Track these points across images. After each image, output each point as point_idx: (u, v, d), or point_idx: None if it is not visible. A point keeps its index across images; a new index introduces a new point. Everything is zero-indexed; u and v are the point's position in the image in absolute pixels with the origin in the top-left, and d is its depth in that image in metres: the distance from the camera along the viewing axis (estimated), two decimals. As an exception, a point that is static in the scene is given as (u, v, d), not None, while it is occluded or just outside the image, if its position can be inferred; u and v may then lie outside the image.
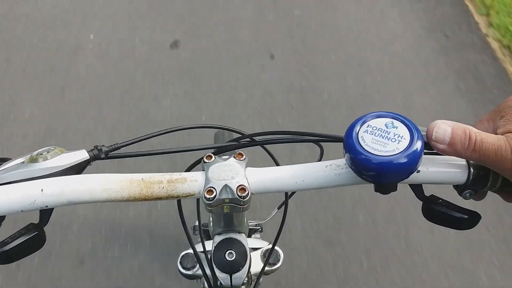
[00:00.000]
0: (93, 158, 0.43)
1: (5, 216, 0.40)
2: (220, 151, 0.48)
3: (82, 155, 0.42)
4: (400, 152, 0.35)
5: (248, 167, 0.42)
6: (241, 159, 0.43)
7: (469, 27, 2.25)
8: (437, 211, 0.39)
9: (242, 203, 0.41)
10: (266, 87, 1.91)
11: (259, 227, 0.95)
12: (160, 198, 0.41)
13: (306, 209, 1.56)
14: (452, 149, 0.36)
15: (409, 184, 0.41)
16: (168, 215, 1.55)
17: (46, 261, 1.42)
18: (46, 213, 0.41)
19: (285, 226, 0.57)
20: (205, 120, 1.80)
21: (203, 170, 0.43)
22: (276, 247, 0.68)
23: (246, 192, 0.40)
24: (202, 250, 0.66)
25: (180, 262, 0.72)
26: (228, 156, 0.44)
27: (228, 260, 0.50)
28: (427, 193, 0.41)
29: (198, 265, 0.72)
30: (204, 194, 0.40)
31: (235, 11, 2.23)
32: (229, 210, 0.42)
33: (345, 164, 0.39)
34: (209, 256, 0.63)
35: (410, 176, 0.37)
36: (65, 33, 2.09)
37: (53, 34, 2.09)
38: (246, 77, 1.95)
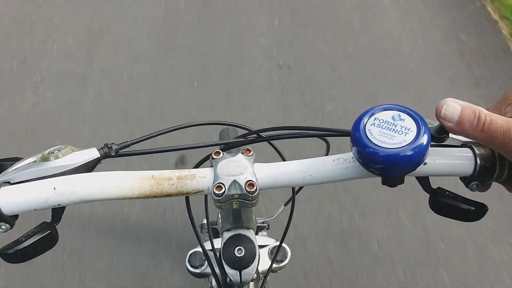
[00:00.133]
0: (104, 156, 0.43)
1: (18, 215, 0.40)
2: (227, 147, 0.49)
3: (92, 153, 0.42)
4: (407, 144, 0.35)
5: (256, 163, 0.43)
6: (249, 154, 0.43)
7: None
8: (444, 203, 0.39)
9: (250, 198, 0.41)
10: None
11: (265, 225, 0.95)
12: (170, 195, 0.41)
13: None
14: (460, 128, 0.36)
15: (415, 177, 0.41)
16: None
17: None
18: (58, 211, 0.41)
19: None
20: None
21: (211, 167, 0.43)
22: (283, 244, 0.69)
23: (255, 188, 0.41)
24: (210, 248, 0.66)
25: (189, 261, 0.73)
26: (235, 152, 0.44)
27: (238, 256, 0.51)
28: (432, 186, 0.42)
29: (206, 263, 0.73)
30: (213, 190, 0.41)
31: (255, 108, 1.86)
32: (238, 206, 0.42)
33: (352, 157, 0.39)
34: (217, 254, 0.64)
35: (417, 169, 0.37)
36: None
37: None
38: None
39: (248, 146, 0.44)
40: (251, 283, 0.61)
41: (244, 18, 2.24)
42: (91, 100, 1.88)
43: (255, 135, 0.50)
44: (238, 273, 0.51)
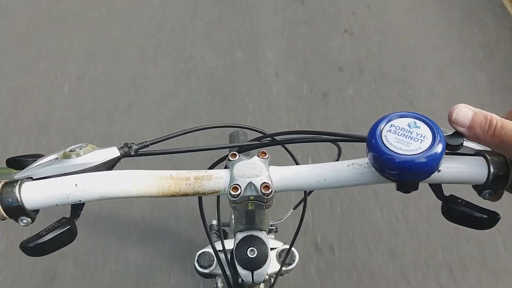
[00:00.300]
0: (123, 155, 0.44)
1: (39, 210, 0.41)
2: (242, 150, 0.50)
3: (113, 152, 0.43)
4: (423, 151, 0.36)
5: (271, 166, 0.44)
6: (265, 157, 0.44)
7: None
8: (457, 210, 0.40)
9: (265, 200, 0.42)
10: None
11: (274, 228, 0.96)
12: (187, 195, 0.42)
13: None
14: (471, 133, 0.37)
15: (429, 184, 0.42)
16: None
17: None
18: (77, 207, 0.42)
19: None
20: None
21: (227, 168, 0.44)
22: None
23: (270, 190, 0.41)
24: (220, 248, 0.67)
25: (197, 261, 0.74)
26: (251, 155, 0.45)
27: (250, 257, 0.52)
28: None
29: (214, 263, 0.73)
30: (229, 191, 0.41)
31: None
32: (253, 207, 0.43)
33: (367, 163, 0.40)
34: (228, 255, 0.65)
35: (432, 176, 0.38)
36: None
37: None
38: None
39: (263, 149, 0.45)
40: (262, 285, 0.61)
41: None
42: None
43: (269, 139, 0.51)
44: (250, 273, 0.52)
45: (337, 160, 0.54)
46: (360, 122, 1.88)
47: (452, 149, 0.38)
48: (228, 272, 0.63)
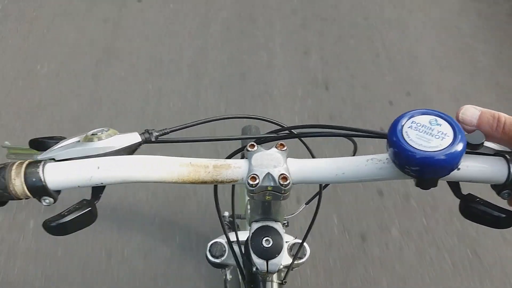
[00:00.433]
0: (144, 141, 0.45)
1: (61, 190, 0.42)
2: (259, 141, 0.50)
3: (134, 137, 0.44)
4: (443, 149, 0.36)
5: (289, 158, 0.44)
6: (283, 149, 0.44)
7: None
8: (475, 209, 0.40)
9: (283, 191, 0.42)
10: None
11: (285, 222, 0.96)
12: (205, 182, 0.43)
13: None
14: (481, 131, 0.38)
15: (447, 182, 0.42)
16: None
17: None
18: (98, 190, 0.43)
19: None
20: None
21: (246, 158, 0.44)
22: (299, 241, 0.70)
23: (288, 181, 0.42)
24: (234, 239, 0.68)
25: (209, 250, 0.74)
26: (269, 147, 0.45)
27: (265, 247, 0.52)
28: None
29: (226, 254, 0.74)
30: (247, 181, 0.42)
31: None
32: (271, 198, 0.43)
33: (387, 158, 0.40)
34: (241, 245, 0.65)
35: (451, 173, 0.38)
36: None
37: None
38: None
39: (282, 141, 0.45)
40: (275, 275, 0.62)
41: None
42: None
43: (287, 132, 0.51)
44: (265, 262, 0.53)
45: (353, 155, 0.54)
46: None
47: (473, 148, 0.38)
48: (241, 262, 0.64)
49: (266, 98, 1.97)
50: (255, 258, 0.53)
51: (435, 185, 0.39)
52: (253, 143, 0.45)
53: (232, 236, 0.69)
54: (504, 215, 0.39)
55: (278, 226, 0.54)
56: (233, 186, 0.63)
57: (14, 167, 0.40)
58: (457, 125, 0.37)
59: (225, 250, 0.75)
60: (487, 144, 0.40)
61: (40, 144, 0.44)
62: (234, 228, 0.65)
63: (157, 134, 0.46)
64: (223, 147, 1.73)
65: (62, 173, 0.40)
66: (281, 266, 0.54)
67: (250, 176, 0.42)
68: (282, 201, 0.51)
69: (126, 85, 1.97)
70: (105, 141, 0.42)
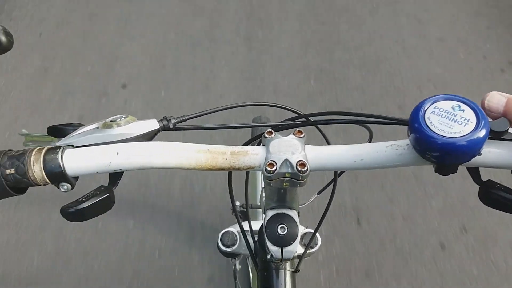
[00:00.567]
0: (162, 128, 0.45)
1: (78, 176, 0.42)
2: (276, 129, 0.50)
3: (153, 124, 0.44)
4: (466, 135, 0.35)
5: (306, 144, 0.44)
6: (301, 136, 0.44)
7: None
8: (495, 195, 0.40)
9: (300, 178, 0.42)
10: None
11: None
12: (223, 169, 0.43)
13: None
14: (509, 117, 0.37)
15: (466, 168, 0.41)
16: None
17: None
18: (116, 176, 0.43)
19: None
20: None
21: (263, 145, 0.44)
22: (311, 231, 0.70)
23: (306, 168, 0.41)
24: (246, 229, 0.68)
25: (221, 239, 0.75)
26: (286, 134, 0.45)
27: (280, 234, 0.52)
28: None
29: (238, 243, 0.74)
30: (265, 167, 0.42)
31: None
32: (288, 184, 0.43)
33: (407, 144, 0.40)
34: (254, 234, 0.65)
35: (472, 159, 0.38)
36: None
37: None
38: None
39: (300, 128, 0.45)
40: (288, 263, 0.62)
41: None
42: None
43: (303, 119, 0.51)
44: (280, 250, 0.53)
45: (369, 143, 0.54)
46: None
47: (496, 136, 0.38)
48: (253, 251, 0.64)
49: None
50: (270, 245, 0.53)
51: (455, 171, 0.39)
52: (270, 130, 0.45)
53: (244, 226, 0.69)
54: None
55: (293, 213, 0.54)
56: (247, 174, 0.62)
57: (33, 153, 0.40)
58: (480, 111, 0.37)
59: (236, 239, 0.75)
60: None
61: (58, 131, 0.44)
62: (248, 217, 0.65)
63: (175, 121, 0.46)
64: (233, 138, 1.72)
65: (81, 159, 0.41)
66: (296, 254, 0.54)
67: (267, 162, 0.42)
68: (297, 189, 0.51)
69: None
70: (123, 128, 0.42)
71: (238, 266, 1.12)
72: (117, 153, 0.40)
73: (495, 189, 0.40)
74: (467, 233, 1.52)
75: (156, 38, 2.12)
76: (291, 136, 0.44)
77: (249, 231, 0.65)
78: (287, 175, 0.42)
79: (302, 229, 0.74)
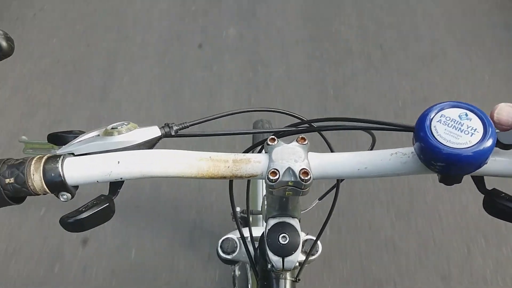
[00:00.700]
0: (164, 135, 0.44)
1: (78, 186, 0.42)
2: (279, 135, 0.49)
3: (154, 131, 0.43)
4: (472, 146, 0.35)
5: (310, 152, 0.43)
6: (304, 143, 0.43)
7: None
8: (501, 205, 0.39)
9: (303, 186, 0.42)
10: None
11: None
12: (225, 177, 0.42)
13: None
14: None
15: (471, 176, 0.41)
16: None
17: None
18: (116, 185, 0.43)
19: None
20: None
21: (265, 153, 0.44)
22: (312, 238, 0.69)
23: (309, 176, 0.41)
24: (246, 235, 0.67)
25: (221, 246, 0.74)
26: (288, 140, 0.45)
27: (282, 244, 0.52)
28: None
29: (237, 250, 0.74)
30: (268, 175, 0.41)
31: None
32: (291, 193, 0.43)
33: (412, 152, 0.39)
34: (254, 242, 0.65)
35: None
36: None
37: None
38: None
39: (303, 135, 0.45)
40: (288, 273, 0.61)
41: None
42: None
43: (307, 125, 0.51)
44: (281, 260, 0.52)
45: (371, 149, 0.53)
46: None
47: (503, 148, 0.38)
48: (253, 259, 0.63)
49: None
50: (271, 255, 0.52)
51: (459, 181, 0.39)
52: (273, 136, 0.44)
53: (245, 232, 0.68)
54: None
55: (295, 222, 0.53)
56: (249, 180, 0.62)
57: (33, 162, 0.39)
58: (488, 120, 0.36)
59: (236, 246, 0.74)
60: None
61: (59, 139, 0.44)
62: (249, 224, 0.65)
63: (177, 128, 0.45)
64: (231, 143, 1.71)
65: (81, 168, 0.40)
66: (297, 264, 0.54)
67: (270, 171, 0.41)
68: (299, 197, 0.50)
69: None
70: (125, 135, 0.42)
71: (237, 272, 1.11)
72: (118, 162, 0.40)
73: (500, 198, 0.40)
74: None
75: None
76: (294, 143, 0.44)
77: (250, 238, 0.64)
78: (290, 183, 0.42)
79: (302, 236, 0.73)
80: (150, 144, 0.43)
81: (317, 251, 0.73)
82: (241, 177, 0.43)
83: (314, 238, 0.68)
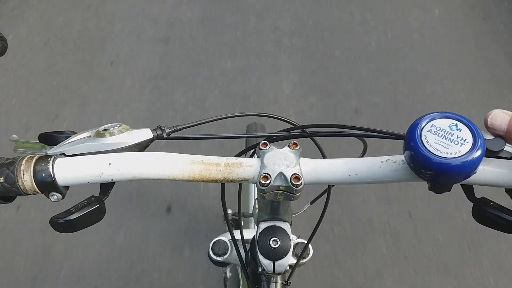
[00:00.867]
0: (156, 137, 0.44)
1: (69, 186, 0.42)
2: (271, 140, 0.49)
3: (146, 133, 0.43)
4: (461, 156, 0.35)
5: (301, 157, 0.43)
6: (296, 148, 0.44)
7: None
8: (489, 213, 0.40)
9: (295, 191, 0.42)
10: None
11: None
12: (216, 181, 0.42)
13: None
14: (510, 136, 0.37)
15: (460, 184, 0.41)
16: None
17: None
18: (107, 186, 0.43)
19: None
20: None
21: (257, 157, 0.44)
22: (303, 241, 0.69)
23: (300, 181, 0.41)
24: (237, 237, 0.67)
25: (212, 248, 0.74)
26: (281, 145, 0.45)
27: (273, 247, 0.52)
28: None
29: (229, 252, 0.74)
30: (259, 180, 0.41)
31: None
32: (282, 197, 0.43)
33: (402, 160, 0.40)
34: (245, 244, 0.65)
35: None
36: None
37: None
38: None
39: (295, 140, 0.45)
40: (279, 276, 0.61)
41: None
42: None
43: (299, 131, 0.51)
44: (271, 263, 0.52)
45: (362, 156, 0.54)
46: None
47: (492, 155, 0.38)
48: (244, 261, 0.63)
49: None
50: (262, 259, 0.52)
51: (449, 189, 0.39)
52: (265, 141, 0.45)
53: (236, 235, 0.68)
54: None
55: (286, 226, 0.53)
56: (240, 184, 0.62)
57: (23, 161, 0.39)
58: (477, 131, 0.37)
59: (227, 248, 0.74)
60: (507, 148, 0.40)
61: (50, 139, 0.44)
62: (240, 226, 0.65)
63: (169, 130, 0.45)
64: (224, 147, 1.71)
65: (72, 168, 0.40)
66: (287, 267, 0.54)
67: (262, 175, 0.42)
68: (291, 201, 0.50)
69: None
70: (116, 137, 0.42)
71: (228, 274, 1.11)
72: (109, 164, 0.40)
73: (489, 207, 0.40)
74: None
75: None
76: (286, 148, 0.44)
77: (241, 241, 0.64)
78: (281, 188, 0.42)
79: (293, 239, 0.74)
80: (142, 146, 0.43)
81: (308, 255, 0.73)
82: (232, 180, 0.43)
83: (305, 242, 0.68)
